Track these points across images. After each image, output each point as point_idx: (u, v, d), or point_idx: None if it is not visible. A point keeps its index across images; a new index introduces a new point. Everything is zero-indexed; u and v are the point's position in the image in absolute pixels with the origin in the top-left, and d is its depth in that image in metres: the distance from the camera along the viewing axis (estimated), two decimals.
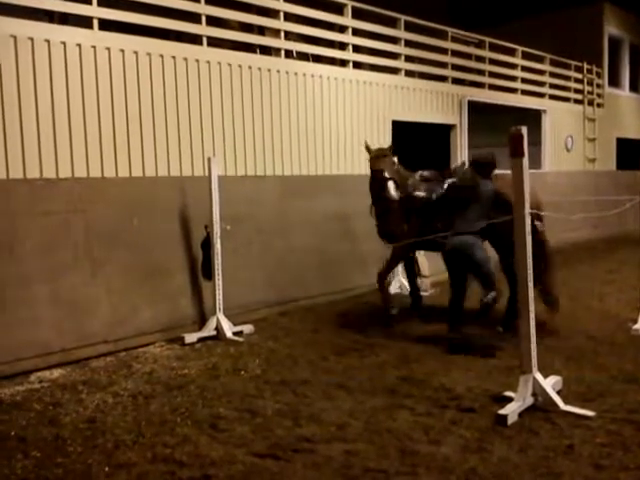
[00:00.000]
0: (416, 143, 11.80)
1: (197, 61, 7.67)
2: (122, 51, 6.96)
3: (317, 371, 5.66)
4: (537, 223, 6.02)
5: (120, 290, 6.61)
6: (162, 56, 7.31)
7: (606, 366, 5.52)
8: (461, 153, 11.95)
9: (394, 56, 10.69)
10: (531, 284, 4.59)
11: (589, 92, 16.02)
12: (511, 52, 13.64)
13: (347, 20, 9.76)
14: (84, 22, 6.77)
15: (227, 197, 7.06)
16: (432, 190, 6.79)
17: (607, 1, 16.86)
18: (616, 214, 7.65)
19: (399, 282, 9.08)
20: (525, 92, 13.94)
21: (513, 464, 3.79)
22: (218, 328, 6.83)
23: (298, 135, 8.90)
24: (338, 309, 8.00)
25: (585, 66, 15.77)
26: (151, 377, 5.59)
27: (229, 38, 8.24)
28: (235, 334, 6.82)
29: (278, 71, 8.62)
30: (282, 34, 8.81)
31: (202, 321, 7.06)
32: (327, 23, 9.54)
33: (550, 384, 4.70)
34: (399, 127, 10.59)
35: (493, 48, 12.98)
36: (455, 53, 12.00)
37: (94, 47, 6.74)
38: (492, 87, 13.00)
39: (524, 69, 13.92)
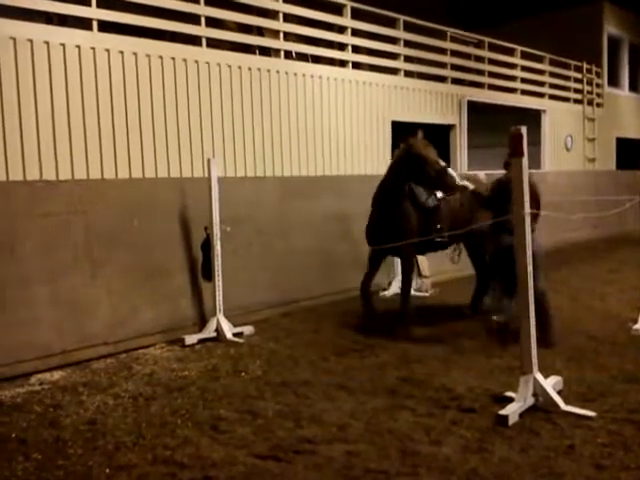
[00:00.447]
0: None
1: (196, 62, 7.67)
2: (121, 52, 6.96)
3: (318, 372, 5.66)
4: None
5: (120, 291, 6.61)
6: (161, 57, 7.31)
7: (607, 366, 5.52)
8: (461, 153, 11.95)
9: (393, 56, 10.69)
10: (531, 284, 4.59)
11: (589, 92, 16.02)
12: (510, 52, 13.64)
13: (346, 20, 9.76)
14: (83, 23, 6.77)
15: (227, 198, 7.06)
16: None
17: (607, 0, 16.85)
18: (616, 214, 7.66)
19: (399, 282, 9.07)
20: (525, 92, 13.94)
21: (514, 464, 3.79)
22: (218, 329, 6.82)
23: (298, 136, 8.90)
24: (339, 310, 8.00)
25: (585, 66, 15.77)
26: (151, 379, 5.58)
27: (228, 39, 8.24)
28: (235, 335, 6.81)
29: (277, 72, 8.62)
30: (281, 35, 8.81)
31: (202, 322, 7.06)
32: (326, 24, 9.54)
33: (551, 384, 4.70)
34: (398, 127, 10.59)
35: (492, 48, 12.98)
36: (454, 53, 11.99)
37: (93, 49, 6.73)
38: (491, 87, 13.00)
39: (523, 69, 13.92)
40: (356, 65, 9.95)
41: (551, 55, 14.65)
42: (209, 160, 6.97)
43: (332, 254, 8.65)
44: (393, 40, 10.68)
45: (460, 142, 11.95)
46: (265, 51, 8.75)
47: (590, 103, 16.11)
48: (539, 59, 14.45)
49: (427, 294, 8.86)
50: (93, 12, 6.78)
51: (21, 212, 6.04)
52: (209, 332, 6.82)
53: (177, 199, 7.24)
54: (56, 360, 5.91)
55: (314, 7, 9.24)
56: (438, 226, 6.99)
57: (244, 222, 7.59)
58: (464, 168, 11.70)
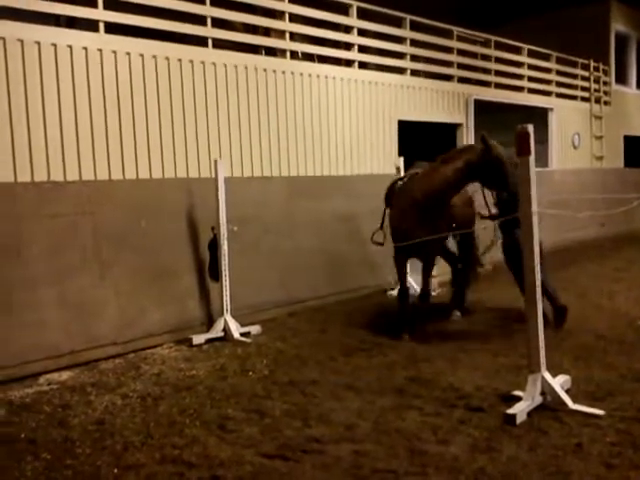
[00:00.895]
0: (422, 142, 11.79)
1: (203, 63, 7.69)
2: (128, 54, 6.98)
3: (325, 371, 5.66)
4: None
5: (128, 292, 6.63)
6: (168, 58, 7.33)
7: (615, 365, 5.50)
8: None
9: (400, 56, 10.68)
10: (539, 282, 4.58)
11: (596, 90, 15.95)
12: (517, 50, 13.59)
13: (352, 20, 9.76)
14: (90, 26, 6.80)
15: (234, 198, 7.07)
16: None
17: None
18: (623, 212, 7.62)
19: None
20: (531, 90, 13.90)
21: (522, 463, 3.78)
22: (226, 329, 6.84)
23: (304, 136, 8.90)
24: (346, 309, 7.99)
25: (592, 64, 15.70)
26: (159, 378, 5.60)
27: (234, 40, 8.26)
28: (243, 335, 6.82)
29: (283, 72, 8.63)
30: (287, 35, 8.82)
31: (210, 322, 7.07)
32: (332, 23, 9.54)
33: (559, 383, 4.68)
34: (405, 127, 10.58)
35: (499, 46, 12.95)
36: (461, 52, 11.97)
37: (100, 50, 6.76)
38: (498, 86, 12.97)
39: (530, 67, 13.87)
40: (362, 65, 9.95)
41: (558, 53, 14.60)
42: (216, 160, 6.99)
43: (339, 254, 8.65)
44: (399, 39, 10.67)
45: (467, 141, 11.92)
46: (271, 51, 8.76)
47: (597, 101, 16.03)
48: (546, 57, 14.40)
49: (434, 293, 8.84)
50: (100, 14, 6.81)
51: (29, 213, 6.07)
52: (217, 332, 6.83)
53: (184, 199, 7.26)
54: (64, 360, 5.94)
55: (320, 7, 9.25)
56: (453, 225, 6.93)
57: (251, 222, 7.60)
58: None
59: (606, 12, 16.61)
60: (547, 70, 14.42)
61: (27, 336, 5.78)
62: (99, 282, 6.44)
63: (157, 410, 4.82)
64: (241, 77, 8.10)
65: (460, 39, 11.96)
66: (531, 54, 13.84)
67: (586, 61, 15.53)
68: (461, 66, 11.97)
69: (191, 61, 7.56)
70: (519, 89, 13.60)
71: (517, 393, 4.69)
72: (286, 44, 8.81)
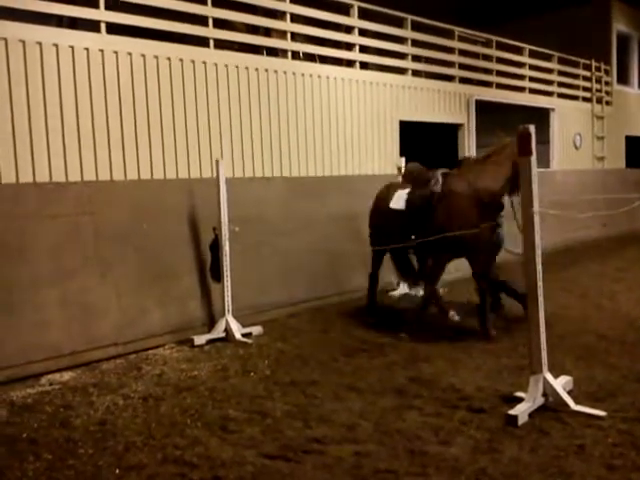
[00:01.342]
0: (423, 143, 11.79)
1: (204, 63, 7.69)
2: (129, 54, 6.98)
3: (326, 372, 5.66)
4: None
5: (129, 292, 6.63)
6: (169, 59, 7.34)
7: (617, 365, 5.49)
8: (469, 152, 11.91)
9: (401, 56, 10.68)
10: (540, 283, 4.58)
11: (597, 90, 15.93)
12: (518, 51, 13.59)
13: (353, 20, 9.76)
14: (92, 26, 6.81)
15: (235, 199, 7.07)
16: None
17: None
18: (625, 212, 7.62)
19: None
20: (533, 90, 13.89)
21: (524, 464, 3.78)
22: (227, 330, 6.84)
23: (305, 136, 8.90)
24: (347, 309, 7.99)
25: (593, 64, 15.69)
26: (161, 379, 5.61)
27: (236, 40, 8.26)
28: (244, 335, 6.82)
29: (285, 72, 8.63)
30: (289, 35, 8.82)
31: (211, 323, 7.07)
32: (333, 24, 9.54)
33: (561, 384, 4.68)
34: (406, 127, 10.58)
35: (500, 47, 12.94)
36: (462, 52, 11.97)
37: (102, 51, 6.77)
38: (500, 86, 12.96)
39: (532, 68, 13.86)
40: (364, 65, 9.94)
41: (559, 53, 14.59)
42: (217, 161, 6.99)
43: (340, 254, 8.63)
44: (400, 40, 10.66)
45: (468, 141, 11.92)
46: (272, 52, 8.76)
47: (599, 101, 16.02)
48: (547, 57, 14.39)
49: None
50: (101, 14, 6.81)
51: (30, 214, 6.07)
52: (218, 332, 6.83)
53: (185, 200, 7.26)
54: (66, 361, 5.95)
55: (321, 7, 9.25)
56: None
57: (252, 222, 7.60)
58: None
59: (607, 12, 16.60)
60: (548, 70, 14.41)
61: (28, 336, 5.79)
62: (100, 282, 6.44)
63: (159, 410, 4.83)
64: (242, 77, 8.11)
65: (461, 39, 11.95)
66: (532, 54, 13.83)
67: (588, 61, 15.52)
68: (462, 66, 11.96)
69: (192, 61, 7.57)
70: (520, 89, 13.59)
71: (519, 394, 4.69)
72: (287, 44, 8.81)
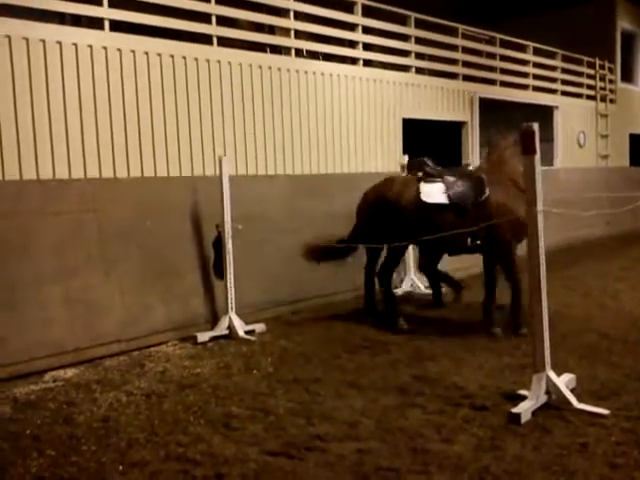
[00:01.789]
0: (427, 141, 11.77)
1: (207, 61, 7.69)
2: (133, 52, 6.99)
3: (329, 369, 5.66)
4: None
5: (133, 290, 6.64)
6: (173, 56, 7.34)
7: (620, 364, 5.49)
8: (472, 150, 11.91)
9: (405, 53, 10.67)
10: (544, 281, 4.57)
11: (601, 88, 15.89)
12: (522, 48, 13.56)
13: (357, 18, 9.75)
14: (95, 23, 6.81)
15: (238, 196, 7.07)
16: None
17: None
18: (629, 211, 7.60)
19: (410, 280, 9.07)
20: (536, 88, 13.86)
21: (526, 462, 3.78)
22: (230, 327, 6.84)
23: (309, 134, 8.90)
24: (350, 307, 7.99)
25: (597, 62, 15.64)
26: (164, 376, 5.61)
27: (239, 38, 8.26)
28: (247, 333, 6.83)
29: (288, 70, 8.63)
30: (292, 33, 8.81)
31: (214, 320, 7.08)
32: (337, 21, 9.53)
33: (564, 382, 4.68)
34: (410, 125, 10.56)
35: (504, 44, 12.91)
36: (466, 50, 11.94)
37: (105, 48, 6.77)
38: (503, 84, 12.94)
39: (535, 65, 13.84)
40: (367, 62, 9.93)
41: (563, 51, 14.55)
42: (220, 158, 6.99)
43: None
44: (404, 37, 10.65)
45: (472, 139, 11.90)
46: (276, 49, 8.76)
47: (603, 99, 15.98)
48: (551, 55, 14.36)
49: (443, 291, 8.82)
50: (105, 12, 6.82)
51: (34, 211, 6.08)
52: (221, 330, 6.84)
53: (189, 197, 7.27)
54: (69, 358, 5.96)
55: (325, 5, 9.24)
56: None
57: (255, 220, 7.60)
58: (476, 165, 11.64)
59: (612, 10, 16.55)
60: (552, 68, 14.38)
61: (32, 333, 5.80)
62: (104, 280, 6.45)
63: (162, 408, 4.84)
64: (246, 75, 8.11)
65: (465, 37, 11.93)
66: (536, 52, 13.80)
67: (592, 59, 15.48)
68: (466, 64, 11.94)
69: (196, 59, 7.57)
70: (524, 87, 13.56)
71: (522, 392, 4.68)
72: (291, 42, 8.80)
